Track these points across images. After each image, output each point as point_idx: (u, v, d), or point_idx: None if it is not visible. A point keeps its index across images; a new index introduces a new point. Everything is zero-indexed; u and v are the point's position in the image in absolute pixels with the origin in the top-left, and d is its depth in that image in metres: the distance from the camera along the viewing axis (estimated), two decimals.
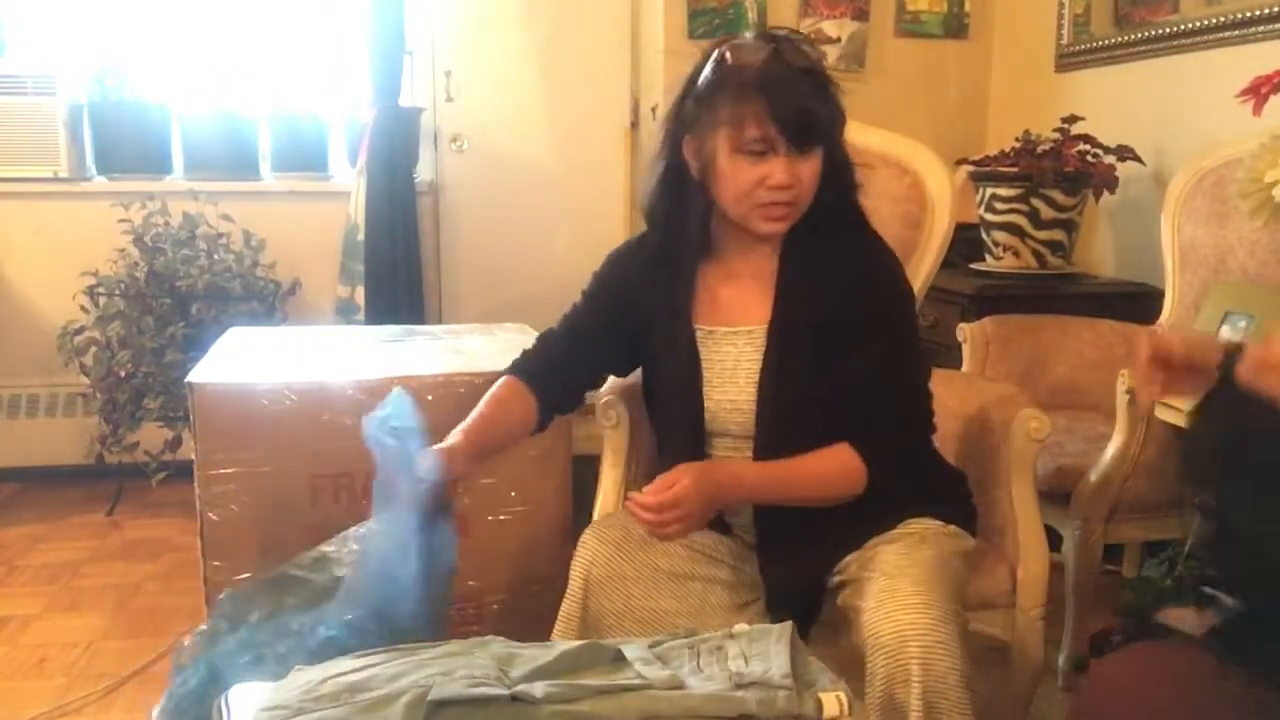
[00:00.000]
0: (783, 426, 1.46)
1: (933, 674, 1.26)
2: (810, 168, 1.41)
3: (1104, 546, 2.13)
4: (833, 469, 1.44)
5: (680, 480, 1.36)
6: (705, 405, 1.51)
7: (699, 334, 1.52)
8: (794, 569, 1.49)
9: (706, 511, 1.41)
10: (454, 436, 1.45)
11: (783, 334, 1.47)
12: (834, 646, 1.48)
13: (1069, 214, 2.80)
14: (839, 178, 1.47)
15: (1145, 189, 2.85)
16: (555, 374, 1.59)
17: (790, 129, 1.37)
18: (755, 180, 1.39)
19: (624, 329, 1.58)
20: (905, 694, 1.27)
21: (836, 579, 1.47)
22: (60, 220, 3.44)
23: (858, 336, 1.44)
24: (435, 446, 1.40)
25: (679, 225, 1.51)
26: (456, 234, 3.72)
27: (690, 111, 1.44)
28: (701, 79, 1.43)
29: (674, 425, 1.56)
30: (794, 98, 1.37)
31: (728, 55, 1.41)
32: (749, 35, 1.44)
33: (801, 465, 1.44)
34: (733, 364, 1.50)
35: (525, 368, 1.59)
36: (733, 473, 1.45)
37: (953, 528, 1.50)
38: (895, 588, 1.33)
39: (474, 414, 1.50)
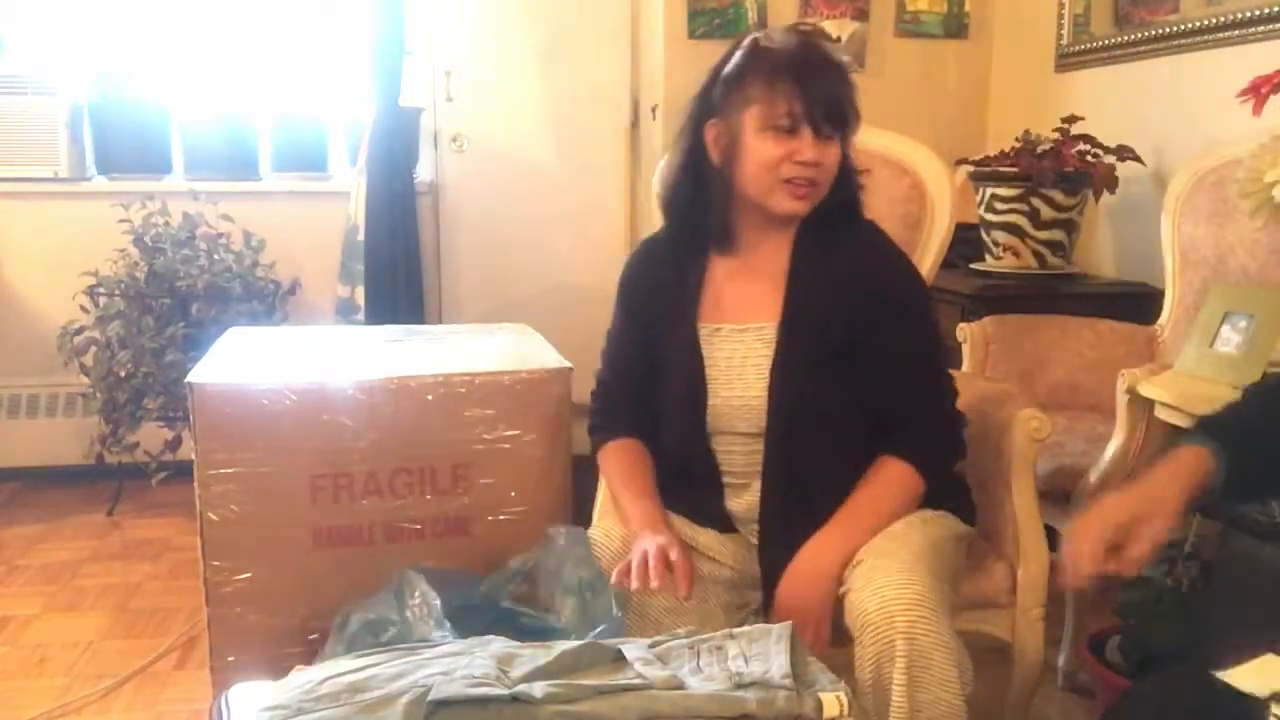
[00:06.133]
0: (797, 423, 1.47)
1: (917, 648, 1.27)
2: (833, 154, 1.47)
3: None
4: (898, 496, 1.47)
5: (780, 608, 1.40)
6: (710, 403, 1.51)
7: (703, 332, 1.53)
8: None
9: (819, 602, 1.41)
10: (646, 522, 1.50)
11: (795, 330, 1.48)
12: (838, 646, 1.48)
13: (1069, 214, 2.80)
14: (848, 177, 1.52)
15: (1145, 189, 2.85)
16: (642, 414, 1.62)
17: (820, 111, 1.43)
18: (782, 155, 1.44)
19: (651, 340, 1.61)
20: (891, 669, 1.27)
21: None
22: (60, 220, 3.44)
23: (880, 326, 1.47)
24: (654, 539, 1.45)
25: (697, 211, 1.54)
26: (456, 234, 3.72)
27: (718, 95, 1.48)
28: (731, 64, 1.48)
29: (677, 422, 1.56)
30: (826, 83, 1.44)
31: (761, 40, 1.47)
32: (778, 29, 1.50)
33: (872, 505, 1.45)
34: (740, 361, 1.51)
35: (623, 423, 1.62)
36: (819, 555, 1.43)
37: (940, 512, 1.51)
38: (882, 567, 1.35)
39: (635, 495, 1.54)
